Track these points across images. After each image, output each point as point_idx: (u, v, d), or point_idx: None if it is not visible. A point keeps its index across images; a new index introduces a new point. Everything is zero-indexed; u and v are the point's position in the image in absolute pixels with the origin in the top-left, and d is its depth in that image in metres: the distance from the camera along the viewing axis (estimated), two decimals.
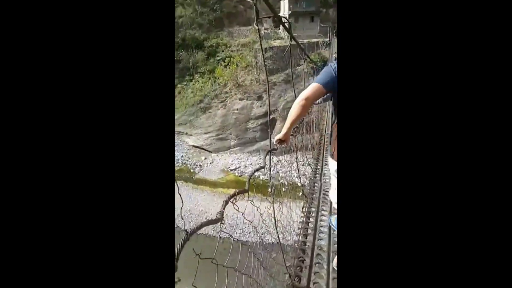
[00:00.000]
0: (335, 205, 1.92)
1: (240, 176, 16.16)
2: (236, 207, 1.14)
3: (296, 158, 3.25)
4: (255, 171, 1.51)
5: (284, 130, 1.57)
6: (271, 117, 16.93)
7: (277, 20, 2.04)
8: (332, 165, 1.66)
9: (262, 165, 1.61)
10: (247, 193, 1.24)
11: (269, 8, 1.42)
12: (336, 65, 1.44)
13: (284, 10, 21.33)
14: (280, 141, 1.62)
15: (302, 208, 2.73)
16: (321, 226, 2.48)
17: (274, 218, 1.89)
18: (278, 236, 1.90)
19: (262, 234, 2.07)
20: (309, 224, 2.52)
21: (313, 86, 1.42)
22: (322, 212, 2.74)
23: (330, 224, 2.30)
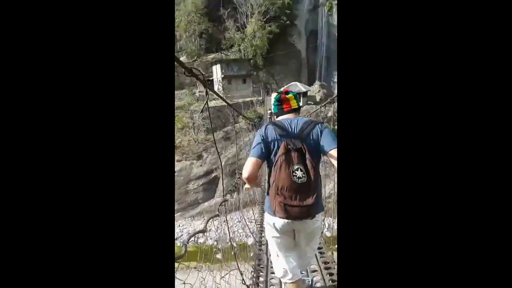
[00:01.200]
0: (282, 279, 1.84)
1: (183, 246, 14.51)
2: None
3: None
4: (192, 235, 1.50)
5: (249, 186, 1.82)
6: (212, 175, 16.42)
7: (210, 83, 1.87)
8: (272, 223, 1.63)
9: (202, 229, 1.58)
10: (186, 262, 1.17)
11: (185, 69, 1.35)
12: (265, 128, 1.60)
13: (217, 74, 22.47)
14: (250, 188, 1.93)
15: (252, 272, 2.61)
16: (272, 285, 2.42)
17: None
18: None
19: None
20: (261, 268, 2.49)
21: (249, 162, 1.53)
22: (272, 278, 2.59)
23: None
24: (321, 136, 1.51)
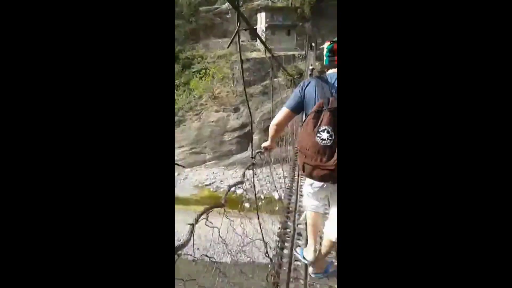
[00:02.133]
0: (307, 211, 1.90)
1: (215, 191, 15.42)
2: (210, 223, 1.12)
3: (270, 171, 3.19)
4: (232, 186, 1.52)
5: (269, 141, 1.83)
6: (247, 129, 16.61)
7: (254, 33, 1.97)
8: (305, 184, 1.73)
9: (240, 180, 1.63)
10: (222, 209, 1.24)
11: (245, 21, 1.40)
12: (308, 83, 1.53)
13: (261, 23, 21.43)
14: (266, 148, 1.90)
15: (279, 225, 2.67)
16: (299, 239, 2.46)
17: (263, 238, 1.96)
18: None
19: (238, 253, 2.16)
20: (286, 238, 2.47)
21: (282, 112, 1.58)
22: (299, 226, 2.67)
23: (299, 257, 2.11)
24: None
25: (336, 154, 1.35)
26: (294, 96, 1.54)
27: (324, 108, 1.38)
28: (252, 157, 2.05)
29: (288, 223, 2.73)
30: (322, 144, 1.36)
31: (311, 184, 1.63)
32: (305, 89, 1.50)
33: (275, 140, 1.87)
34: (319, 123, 1.38)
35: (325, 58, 1.58)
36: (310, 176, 1.49)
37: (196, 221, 1.03)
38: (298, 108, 1.53)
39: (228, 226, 1.52)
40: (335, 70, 1.52)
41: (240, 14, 1.46)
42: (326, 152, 1.36)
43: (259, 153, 2.13)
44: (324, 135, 1.36)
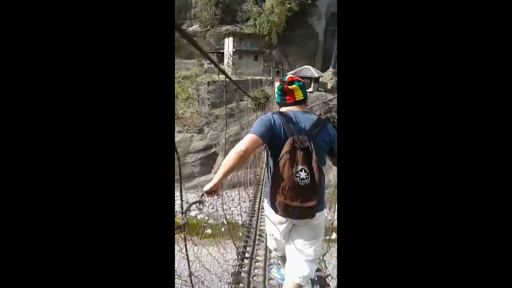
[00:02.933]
0: (274, 253, 1.90)
1: (176, 216, 14.59)
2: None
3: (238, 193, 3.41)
4: (190, 205, 1.49)
5: (214, 180, 1.45)
6: (211, 151, 16.29)
7: (220, 56, 1.75)
8: (271, 214, 1.57)
9: (198, 199, 1.53)
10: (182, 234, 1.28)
11: (195, 47, 1.32)
12: (273, 116, 1.45)
13: (229, 47, 21.75)
14: (209, 192, 1.49)
15: (238, 246, 2.66)
16: (257, 261, 2.47)
17: None
18: None
19: (200, 274, 2.08)
20: (244, 263, 2.45)
21: (249, 138, 1.39)
22: (257, 251, 2.67)
23: (272, 276, 2.17)
24: (331, 139, 1.45)
25: (317, 192, 1.37)
26: (263, 124, 1.42)
27: (297, 146, 1.35)
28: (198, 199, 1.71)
29: (247, 247, 2.70)
30: (302, 183, 1.34)
31: (271, 216, 1.55)
32: (273, 119, 1.43)
33: (229, 174, 1.47)
34: (295, 163, 1.35)
35: (276, 96, 1.60)
36: (287, 215, 1.45)
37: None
38: (267, 136, 1.40)
39: (192, 245, 1.53)
40: (288, 108, 1.53)
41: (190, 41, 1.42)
42: (306, 192, 1.36)
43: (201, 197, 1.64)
44: (303, 174, 1.34)
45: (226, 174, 1.39)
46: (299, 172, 1.34)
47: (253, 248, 2.68)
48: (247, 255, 2.53)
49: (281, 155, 1.37)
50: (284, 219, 1.50)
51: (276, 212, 1.47)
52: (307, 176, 1.34)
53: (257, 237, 2.95)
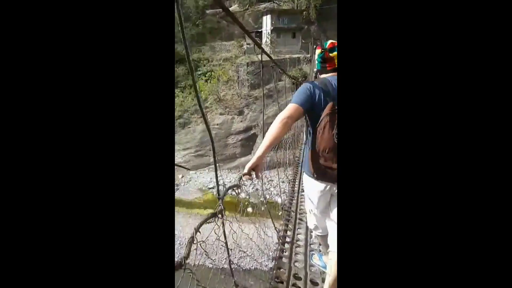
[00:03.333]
0: (314, 232, 1.91)
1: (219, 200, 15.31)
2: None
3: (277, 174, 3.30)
4: (228, 189, 1.51)
5: (258, 153, 1.32)
6: (251, 132, 16.56)
7: (259, 35, 1.83)
8: (310, 185, 1.58)
9: (237, 183, 1.56)
10: (223, 214, 1.25)
11: (239, 26, 1.28)
12: (312, 84, 1.47)
13: (267, 26, 21.40)
14: (250, 169, 1.35)
15: (278, 230, 2.63)
16: (297, 247, 2.42)
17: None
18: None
19: (240, 258, 2.22)
20: (284, 247, 2.41)
21: (291, 107, 1.41)
22: (298, 236, 2.63)
23: (314, 263, 2.16)
24: None
25: None
26: (304, 93, 1.43)
27: (336, 109, 1.36)
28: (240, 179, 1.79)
29: (288, 231, 2.68)
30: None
31: (311, 186, 1.55)
32: (313, 88, 1.44)
33: (273, 145, 1.46)
34: (335, 125, 1.36)
35: (316, 63, 1.62)
36: (328, 180, 1.45)
37: (196, 231, 1.04)
38: (308, 106, 1.40)
39: (231, 231, 1.54)
40: (328, 75, 1.54)
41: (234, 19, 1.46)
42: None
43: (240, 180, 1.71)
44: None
45: (270, 144, 1.33)
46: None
47: (294, 233, 2.66)
48: (287, 239, 2.51)
49: (321, 118, 1.39)
50: (323, 186, 1.49)
51: (317, 178, 1.48)
52: None
53: (297, 220, 2.91)
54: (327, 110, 1.38)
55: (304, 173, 1.62)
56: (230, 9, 22.50)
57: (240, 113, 18.16)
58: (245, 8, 23.22)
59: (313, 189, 1.56)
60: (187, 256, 0.90)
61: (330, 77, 1.51)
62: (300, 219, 2.92)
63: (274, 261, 2.18)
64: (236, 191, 1.54)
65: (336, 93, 1.42)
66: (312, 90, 1.44)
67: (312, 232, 2.01)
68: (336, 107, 1.36)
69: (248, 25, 22.50)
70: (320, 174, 1.46)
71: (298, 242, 2.52)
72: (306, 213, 2.01)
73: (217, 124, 18.17)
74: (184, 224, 12.77)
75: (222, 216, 1.28)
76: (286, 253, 2.31)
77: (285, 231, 2.66)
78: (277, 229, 2.62)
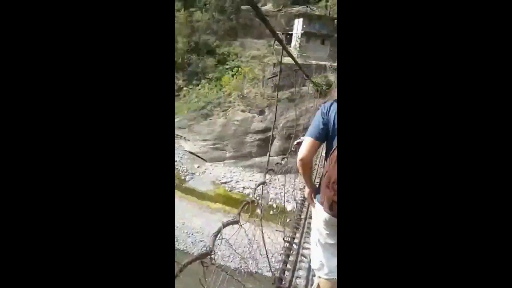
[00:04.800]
0: (316, 273, 1.69)
1: (230, 191, 15.67)
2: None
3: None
4: (258, 185, 1.63)
5: (307, 186, 1.60)
6: (269, 133, 16.68)
7: (289, 37, 1.86)
8: (319, 213, 1.49)
9: (263, 180, 1.70)
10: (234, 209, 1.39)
11: (264, 24, 1.33)
12: (331, 107, 1.41)
13: (298, 29, 21.44)
14: (310, 197, 1.59)
15: (284, 238, 2.61)
16: (303, 260, 2.36)
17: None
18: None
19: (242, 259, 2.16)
20: (290, 256, 2.40)
21: (307, 142, 1.42)
22: (303, 251, 2.59)
23: None
24: None
25: None
26: (318, 124, 1.40)
27: None
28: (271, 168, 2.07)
29: (295, 240, 2.68)
30: None
31: (320, 215, 1.45)
32: (328, 114, 1.39)
33: (310, 178, 1.57)
34: None
35: None
36: (333, 212, 1.34)
37: (224, 226, 1.16)
38: (323, 136, 1.39)
39: (238, 231, 1.54)
40: None
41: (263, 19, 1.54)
42: None
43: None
44: None
45: (306, 181, 1.56)
46: None
47: (299, 245, 2.62)
48: (293, 251, 2.48)
49: (334, 147, 1.32)
50: (332, 220, 1.37)
51: (324, 209, 1.38)
52: None
53: (305, 229, 2.85)
54: None
55: (316, 199, 1.51)
56: (264, 8, 22.62)
57: (261, 112, 18.25)
58: (278, 8, 23.29)
59: (322, 219, 1.45)
60: (211, 251, 0.94)
61: None
62: (309, 228, 2.80)
63: (275, 272, 2.12)
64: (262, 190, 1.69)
65: None
66: (327, 117, 1.38)
67: (314, 276, 1.75)
68: None
69: (280, 26, 22.54)
70: (327, 206, 1.35)
71: (304, 252, 2.46)
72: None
73: (237, 120, 18.47)
74: (193, 215, 13.09)
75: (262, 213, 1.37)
76: (289, 266, 2.25)
77: (293, 238, 2.62)
78: (284, 236, 2.57)
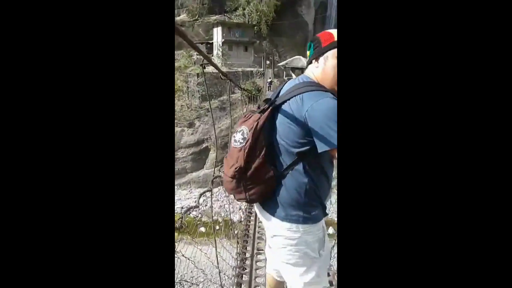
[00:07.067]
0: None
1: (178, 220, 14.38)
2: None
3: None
4: (187, 210, 1.56)
5: None
6: (203, 145, 16.01)
7: (209, 46, 1.69)
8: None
9: (195, 204, 1.62)
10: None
11: (180, 36, 0.94)
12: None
13: (218, 37, 21.23)
14: None
15: (236, 251, 2.57)
16: (258, 268, 2.33)
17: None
18: None
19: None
20: (245, 269, 2.35)
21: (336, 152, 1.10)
22: (258, 256, 2.50)
23: None
24: None
25: (244, 156, 1.06)
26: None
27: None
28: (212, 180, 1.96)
29: (248, 248, 2.60)
30: (233, 146, 1.12)
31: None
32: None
33: None
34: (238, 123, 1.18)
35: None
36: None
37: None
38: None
39: (181, 256, 1.49)
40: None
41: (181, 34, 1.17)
42: (234, 156, 1.10)
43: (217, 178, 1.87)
44: (238, 136, 1.11)
45: None
46: (237, 133, 1.22)
47: (253, 247, 2.59)
48: (247, 262, 2.42)
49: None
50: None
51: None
52: (241, 140, 1.18)
53: (257, 235, 2.83)
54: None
55: None
56: (179, 18, 21.99)
57: (191, 125, 17.46)
58: (194, 18, 22.80)
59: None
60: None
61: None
62: (260, 238, 2.79)
63: (234, 278, 2.12)
64: (193, 211, 1.63)
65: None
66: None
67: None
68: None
69: (199, 35, 22.13)
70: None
71: (258, 264, 2.37)
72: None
73: None
74: None
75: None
76: (246, 278, 2.22)
77: (243, 253, 2.56)
78: (237, 253, 2.55)
